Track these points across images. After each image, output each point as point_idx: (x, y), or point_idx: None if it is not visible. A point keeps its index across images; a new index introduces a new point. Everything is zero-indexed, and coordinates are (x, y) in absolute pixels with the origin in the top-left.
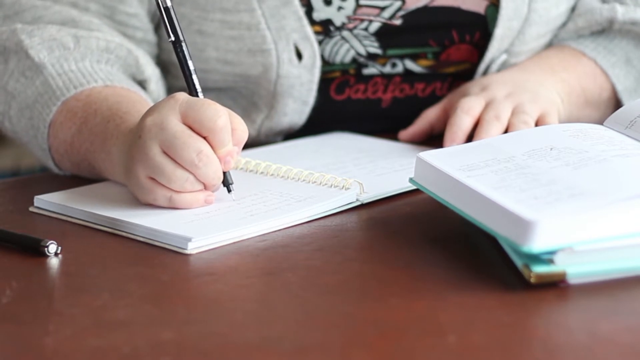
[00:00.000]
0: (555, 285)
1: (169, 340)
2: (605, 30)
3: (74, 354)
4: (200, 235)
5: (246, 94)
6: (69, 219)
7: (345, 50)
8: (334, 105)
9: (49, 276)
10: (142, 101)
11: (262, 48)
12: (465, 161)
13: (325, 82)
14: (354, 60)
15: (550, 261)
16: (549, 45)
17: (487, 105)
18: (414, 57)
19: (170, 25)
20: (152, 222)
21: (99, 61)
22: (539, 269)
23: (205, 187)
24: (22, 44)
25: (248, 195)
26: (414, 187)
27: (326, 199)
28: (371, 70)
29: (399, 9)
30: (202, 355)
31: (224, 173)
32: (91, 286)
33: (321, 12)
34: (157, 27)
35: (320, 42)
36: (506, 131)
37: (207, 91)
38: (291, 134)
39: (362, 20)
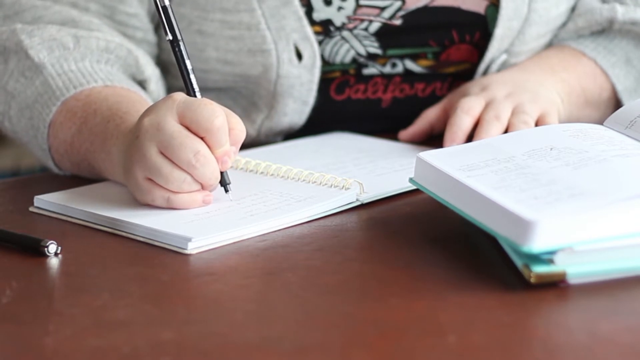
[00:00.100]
0: (555, 285)
1: (169, 340)
2: (605, 30)
3: (74, 354)
4: (200, 235)
5: (246, 94)
6: (69, 219)
7: (345, 50)
8: (334, 105)
9: (49, 276)
10: (142, 101)
11: (262, 48)
12: (465, 161)
13: (325, 82)
14: (354, 61)
15: (550, 261)
16: (549, 45)
17: (487, 105)
18: (414, 57)
19: (168, 25)
20: (152, 222)
21: (99, 61)
22: (539, 269)
23: (203, 188)
24: (22, 44)
25: (248, 195)
26: (414, 187)
27: (326, 199)
28: (371, 70)
29: (399, 9)
30: (202, 355)
31: (222, 173)
32: (91, 286)
33: (321, 12)
34: (157, 27)
35: (320, 42)
36: (506, 131)
37: (207, 91)
38: (291, 134)
39: (362, 21)
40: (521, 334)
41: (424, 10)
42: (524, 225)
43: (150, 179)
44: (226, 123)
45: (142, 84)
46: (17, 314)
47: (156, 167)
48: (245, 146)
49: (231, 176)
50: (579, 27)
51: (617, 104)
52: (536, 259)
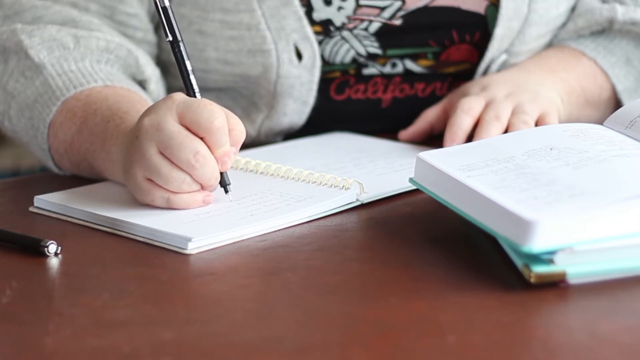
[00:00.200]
0: (555, 285)
1: (169, 340)
2: (605, 30)
3: (74, 354)
4: (200, 235)
5: (246, 94)
6: (69, 219)
7: (345, 50)
8: (334, 105)
9: (49, 276)
10: (142, 101)
11: (262, 48)
12: (465, 161)
13: (325, 82)
14: (354, 60)
15: (550, 261)
16: (549, 45)
17: (487, 105)
18: (414, 57)
19: (168, 25)
20: (152, 222)
21: (99, 61)
22: (539, 269)
23: (203, 188)
24: (22, 44)
25: (248, 195)
26: (414, 187)
27: (326, 199)
28: (371, 70)
29: (399, 9)
30: (202, 355)
31: (221, 174)
32: (91, 286)
33: (321, 12)
34: (157, 27)
35: (320, 42)
36: (506, 131)
37: (207, 91)
38: (291, 134)
39: (362, 20)
40: (521, 334)
41: (424, 10)
42: (524, 225)
43: (150, 179)
44: (226, 123)
45: (142, 84)
46: (17, 314)
47: (156, 168)
48: (245, 146)
49: (231, 176)
50: (579, 27)
51: (617, 104)
52: (536, 259)
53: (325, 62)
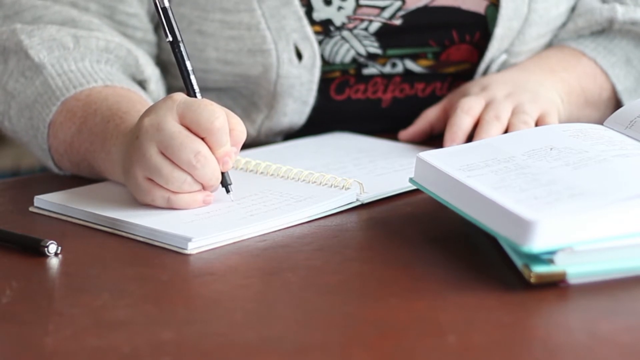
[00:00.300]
0: (555, 285)
1: (169, 340)
2: (605, 30)
3: (74, 354)
4: (200, 235)
5: (246, 94)
6: (69, 219)
7: (345, 50)
8: (334, 105)
9: (49, 276)
10: (142, 101)
11: (262, 48)
12: (465, 161)
13: (325, 82)
14: (354, 60)
15: (550, 261)
16: (549, 45)
17: (487, 105)
18: (414, 57)
19: (168, 26)
20: (152, 222)
21: (99, 61)
22: (539, 269)
23: (204, 188)
24: (22, 44)
25: (248, 195)
26: (414, 187)
27: (326, 199)
28: (371, 70)
29: (399, 9)
30: (202, 355)
31: (222, 174)
32: (91, 286)
33: (321, 12)
34: (157, 27)
35: (320, 42)
36: (506, 131)
37: (207, 91)
38: (291, 134)
39: (362, 20)
40: (521, 334)
41: (424, 10)
42: (524, 225)
43: (150, 179)
44: (226, 124)
45: (142, 83)
46: (17, 314)
47: (156, 168)
48: (245, 146)
49: (231, 176)
50: (579, 27)
51: (617, 104)
52: (536, 259)
53: (325, 62)
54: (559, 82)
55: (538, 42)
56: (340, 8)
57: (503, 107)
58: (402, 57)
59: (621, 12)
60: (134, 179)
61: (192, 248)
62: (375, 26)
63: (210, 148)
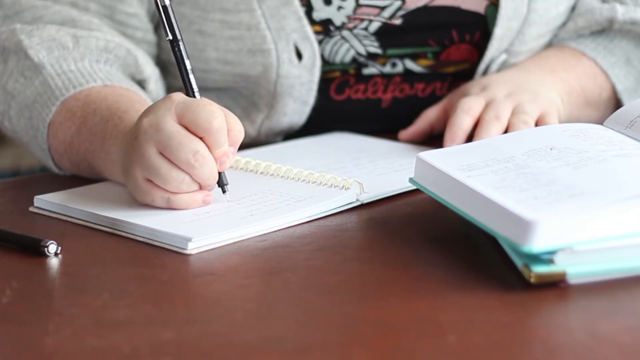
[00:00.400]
0: (555, 285)
1: (169, 340)
2: (605, 30)
3: (74, 354)
4: (200, 235)
5: (246, 94)
6: (69, 219)
7: (345, 50)
8: (334, 105)
9: (49, 276)
10: (142, 101)
11: (262, 48)
12: (465, 161)
13: (325, 82)
14: (354, 60)
15: (550, 261)
16: (549, 45)
17: (487, 105)
18: (414, 57)
19: (168, 24)
20: (152, 222)
21: (98, 61)
22: (539, 269)
23: (201, 188)
24: (22, 44)
25: (248, 195)
26: (414, 187)
27: (326, 199)
28: (371, 70)
29: (399, 9)
30: (202, 355)
31: (220, 174)
32: (91, 286)
33: (321, 11)
34: (157, 27)
35: (320, 42)
36: (506, 131)
37: (207, 91)
38: (291, 134)
39: (362, 20)
40: (521, 334)
41: (424, 9)
42: (524, 225)
43: (149, 180)
44: (225, 124)
45: (141, 83)
46: (17, 314)
47: (155, 168)
48: (245, 146)
49: (231, 176)
50: (579, 27)
51: (617, 104)
52: (536, 259)
53: (325, 62)
54: (559, 82)
55: (538, 42)
56: (340, 8)
57: (503, 107)
58: (402, 56)
59: (621, 12)
60: (133, 180)
61: (192, 248)
62: (375, 26)
63: (208, 148)
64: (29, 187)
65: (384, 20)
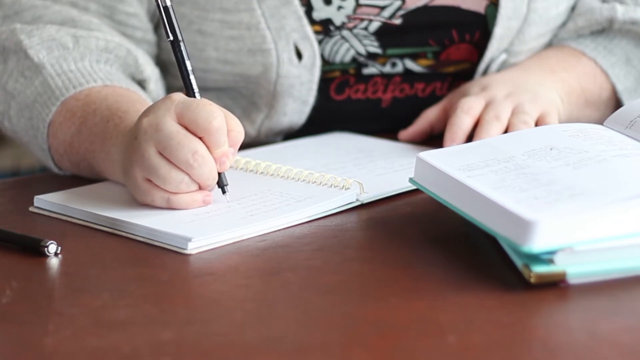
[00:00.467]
0: (555, 285)
1: (169, 340)
2: (605, 30)
3: (74, 354)
4: (200, 235)
5: (246, 94)
6: (69, 219)
7: (345, 49)
8: (334, 105)
9: (49, 276)
10: (142, 100)
11: (262, 48)
12: (465, 161)
13: (325, 82)
14: (353, 60)
15: (550, 261)
16: (549, 45)
17: (487, 105)
18: (414, 57)
19: (169, 25)
20: (152, 222)
21: (98, 61)
22: (539, 269)
23: (201, 188)
24: (22, 44)
25: (248, 195)
26: (414, 187)
27: (326, 199)
28: (371, 70)
29: (399, 9)
30: (202, 355)
31: (219, 174)
32: (91, 286)
33: (321, 11)
34: (157, 27)
35: (320, 42)
36: (506, 131)
37: (207, 91)
38: (291, 134)
39: (362, 20)
40: (521, 334)
41: (424, 9)
42: (524, 225)
43: (149, 180)
44: (225, 124)
45: (141, 83)
46: (17, 314)
47: (154, 168)
48: (245, 146)
49: (231, 176)
50: (579, 27)
51: (617, 104)
52: (536, 259)
53: (325, 62)
54: (558, 82)
55: (538, 42)
56: (340, 7)
57: (503, 107)
58: (402, 56)
59: (621, 12)
60: (133, 180)
61: (192, 248)
62: (375, 26)
63: (208, 148)
64: (29, 187)
65: (383, 20)
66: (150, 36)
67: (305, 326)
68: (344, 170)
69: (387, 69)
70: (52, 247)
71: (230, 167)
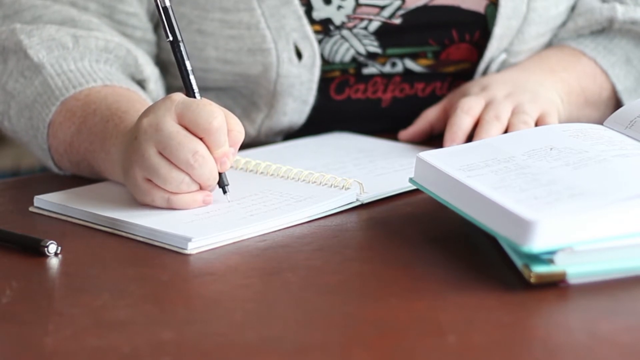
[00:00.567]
0: (555, 285)
1: (169, 340)
2: (605, 29)
3: (74, 354)
4: (200, 235)
5: (246, 94)
6: (69, 219)
7: (345, 49)
8: (334, 105)
9: (49, 276)
10: (141, 100)
11: (262, 47)
12: (465, 161)
13: (325, 82)
14: (353, 60)
15: (550, 261)
16: (549, 44)
17: (487, 105)
18: (414, 57)
19: (168, 25)
20: (152, 222)
21: (98, 61)
22: (539, 269)
23: (201, 188)
24: (21, 43)
25: (248, 195)
26: (414, 187)
27: (326, 199)
28: (371, 69)
29: (399, 8)
30: (202, 355)
31: (220, 174)
32: (91, 286)
33: (321, 11)
34: (157, 27)
35: (320, 42)
36: (506, 131)
37: (207, 91)
38: (291, 134)
39: (361, 19)
40: (521, 334)
41: (424, 9)
42: (524, 225)
43: (149, 180)
44: (225, 124)
45: (141, 83)
46: (17, 314)
47: (154, 168)
48: (245, 146)
49: (231, 176)
50: (579, 27)
51: (617, 104)
52: (536, 259)
53: (325, 61)
54: (558, 82)
55: (537, 42)
56: (340, 7)
57: (503, 107)
58: (401, 56)
59: (621, 12)
60: (133, 180)
61: (192, 248)
62: (374, 25)
63: (208, 148)
64: (29, 187)
65: (383, 19)
66: (150, 36)
67: (305, 326)
68: (344, 170)
69: (387, 68)
70: (52, 247)
71: (231, 167)
